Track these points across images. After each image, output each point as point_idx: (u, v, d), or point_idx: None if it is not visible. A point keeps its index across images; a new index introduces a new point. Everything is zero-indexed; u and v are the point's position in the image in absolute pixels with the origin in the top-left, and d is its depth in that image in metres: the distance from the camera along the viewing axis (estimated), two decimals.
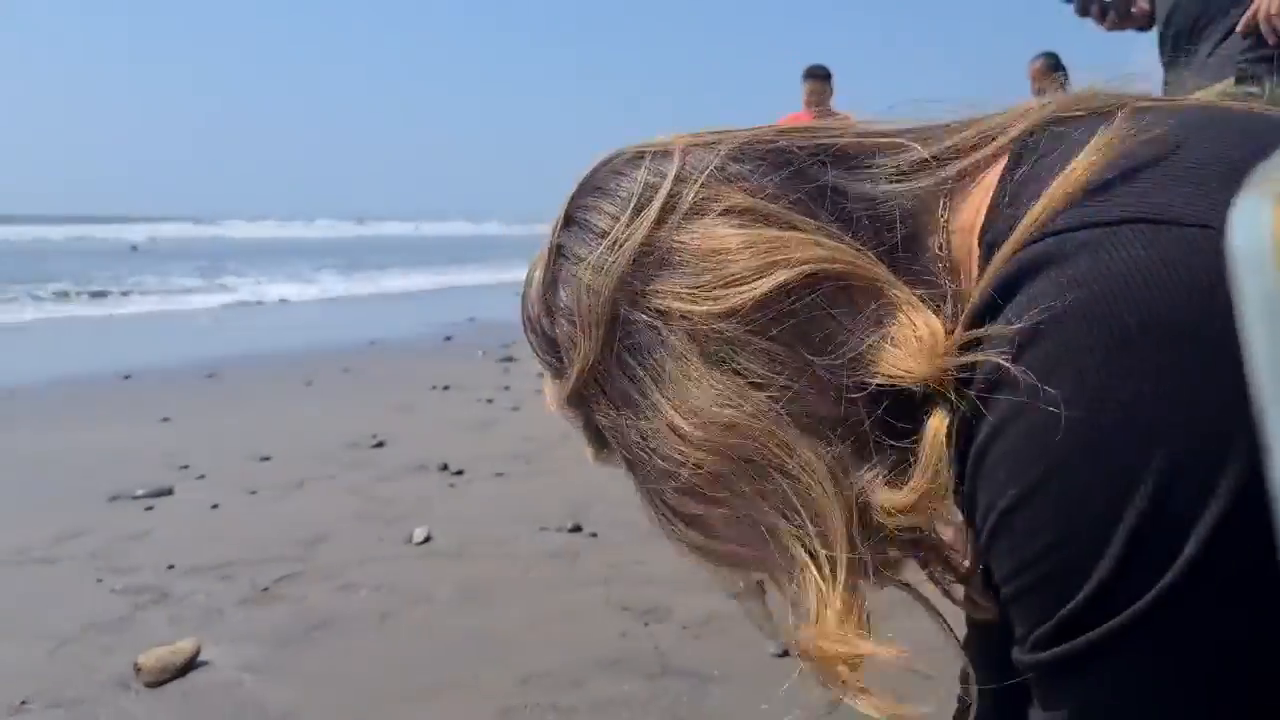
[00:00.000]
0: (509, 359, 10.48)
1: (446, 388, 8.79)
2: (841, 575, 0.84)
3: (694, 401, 0.86)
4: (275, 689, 3.14)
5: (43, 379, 9.64)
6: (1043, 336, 0.69)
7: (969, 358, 0.75)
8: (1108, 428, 0.65)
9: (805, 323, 0.83)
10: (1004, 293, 0.73)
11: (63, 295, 18.66)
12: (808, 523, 0.85)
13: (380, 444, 6.55)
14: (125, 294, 19.51)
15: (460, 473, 5.76)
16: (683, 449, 0.88)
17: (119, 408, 8.14)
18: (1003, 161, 0.85)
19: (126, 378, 9.64)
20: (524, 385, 8.88)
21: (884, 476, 0.83)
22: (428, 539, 4.57)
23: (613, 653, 3.35)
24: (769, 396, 0.84)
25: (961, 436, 0.76)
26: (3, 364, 11.03)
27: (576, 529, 4.65)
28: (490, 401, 8.11)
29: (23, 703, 3.07)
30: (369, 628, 3.63)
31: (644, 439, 0.91)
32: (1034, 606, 0.70)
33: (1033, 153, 0.82)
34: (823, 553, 0.85)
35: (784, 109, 11.21)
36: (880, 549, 0.87)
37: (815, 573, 0.86)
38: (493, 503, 5.20)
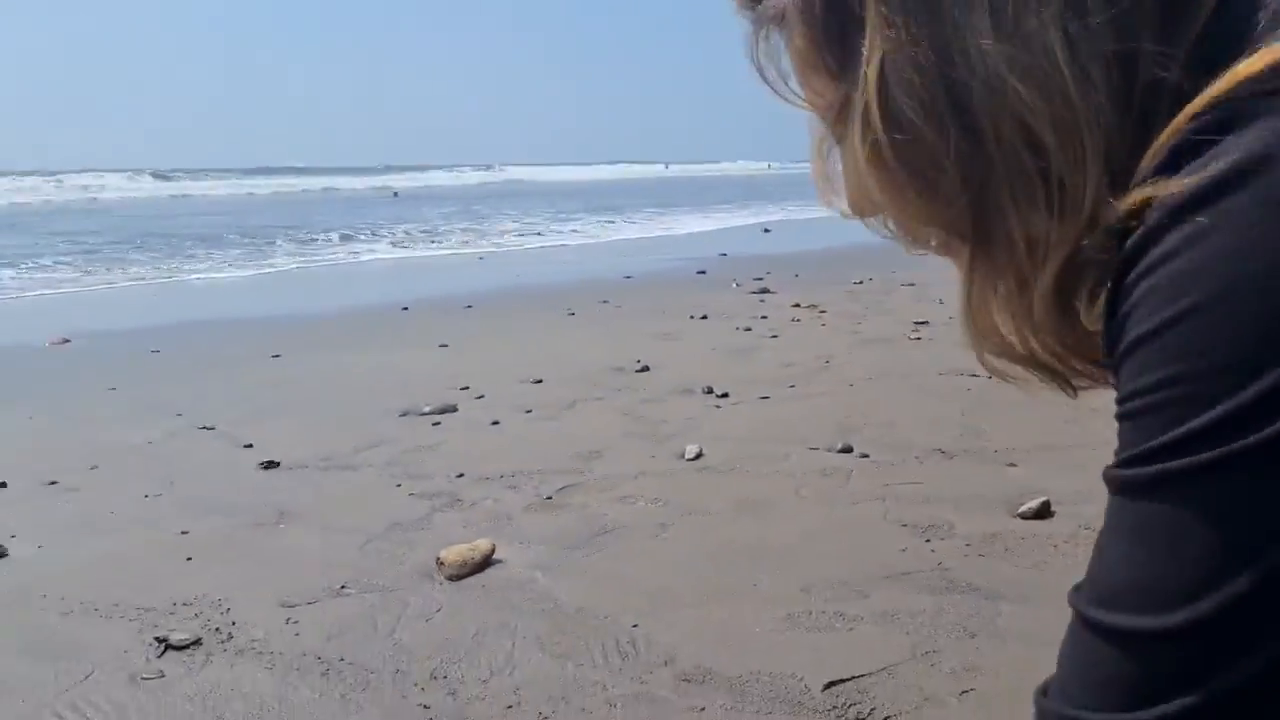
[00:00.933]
0: (764, 290, 10.45)
1: (705, 317, 8.86)
2: (1056, 260, 0.77)
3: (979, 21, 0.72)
4: (566, 586, 3.28)
5: (333, 311, 10.42)
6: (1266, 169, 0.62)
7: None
8: None
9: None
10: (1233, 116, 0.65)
11: (347, 238, 20.03)
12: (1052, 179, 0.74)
13: (645, 369, 6.68)
14: (395, 239, 20.73)
15: (725, 395, 5.81)
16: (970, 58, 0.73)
17: (402, 336, 8.69)
18: None
19: (405, 309, 10.28)
20: (781, 315, 8.85)
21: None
22: (699, 455, 4.63)
23: (895, 566, 3.29)
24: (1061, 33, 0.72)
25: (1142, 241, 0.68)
26: (302, 299, 12.00)
27: (847, 449, 4.59)
28: (748, 330, 8.11)
29: (342, 587, 3.35)
30: (649, 535, 3.72)
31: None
32: (1156, 422, 0.66)
33: None
34: (1047, 225, 0.75)
35: None
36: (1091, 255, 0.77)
37: (1024, 249, 0.78)
38: (759, 423, 5.21)
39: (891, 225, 0.91)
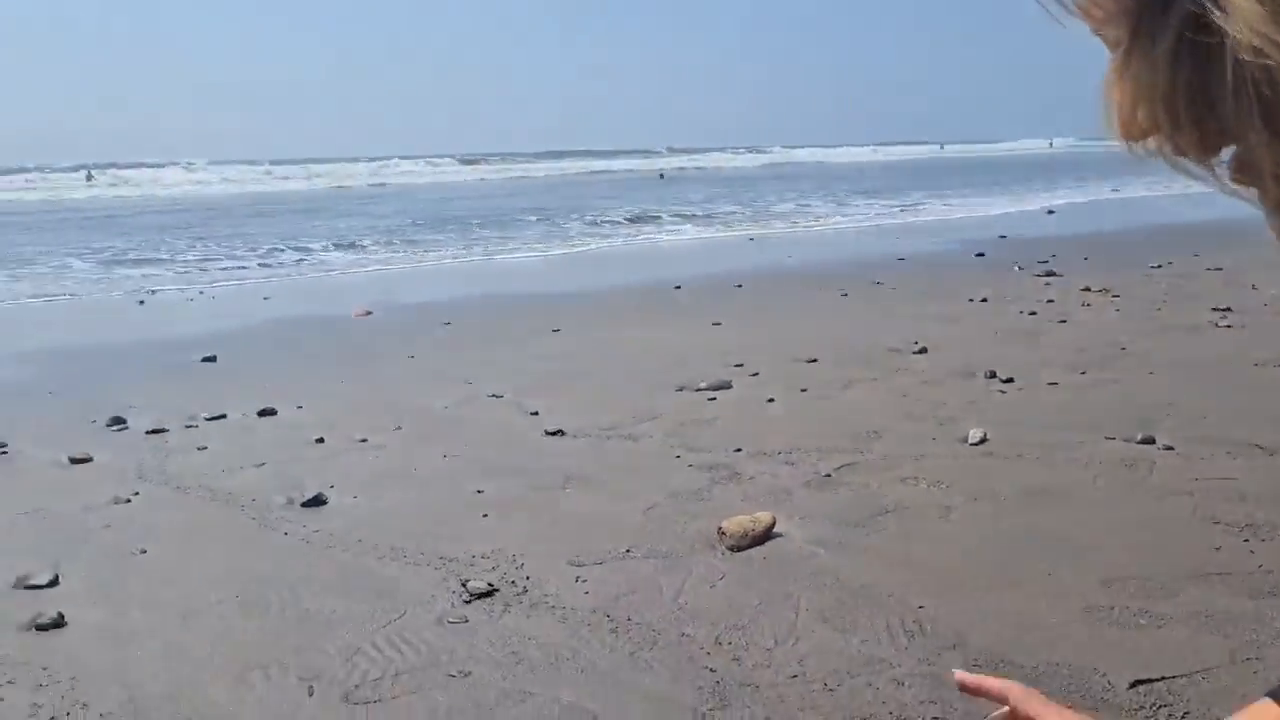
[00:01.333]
0: (1050, 274, 9.92)
1: (985, 300, 8.51)
2: None
3: None
4: (849, 563, 3.24)
5: (605, 289, 10.75)
6: None
7: None
8: None
9: None
10: None
11: (615, 224, 20.60)
12: None
13: (923, 350, 6.50)
14: (666, 219, 21.12)
15: (1010, 380, 5.56)
16: None
17: (676, 313, 8.85)
18: None
19: (677, 287, 10.46)
20: (1070, 299, 8.37)
21: None
22: (984, 440, 4.46)
23: (1208, 565, 3.05)
24: None
25: None
26: (577, 278, 12.46)
27: (1149, 440, 4.29)
28: (1033, 314, 7.72)
29: (627, 551, 3.45)
30: (933, 518, 3.62)
31: None
32: None
33: None
34: None
35: None
36: None
37: None
38: (1048, 410, 4.95)
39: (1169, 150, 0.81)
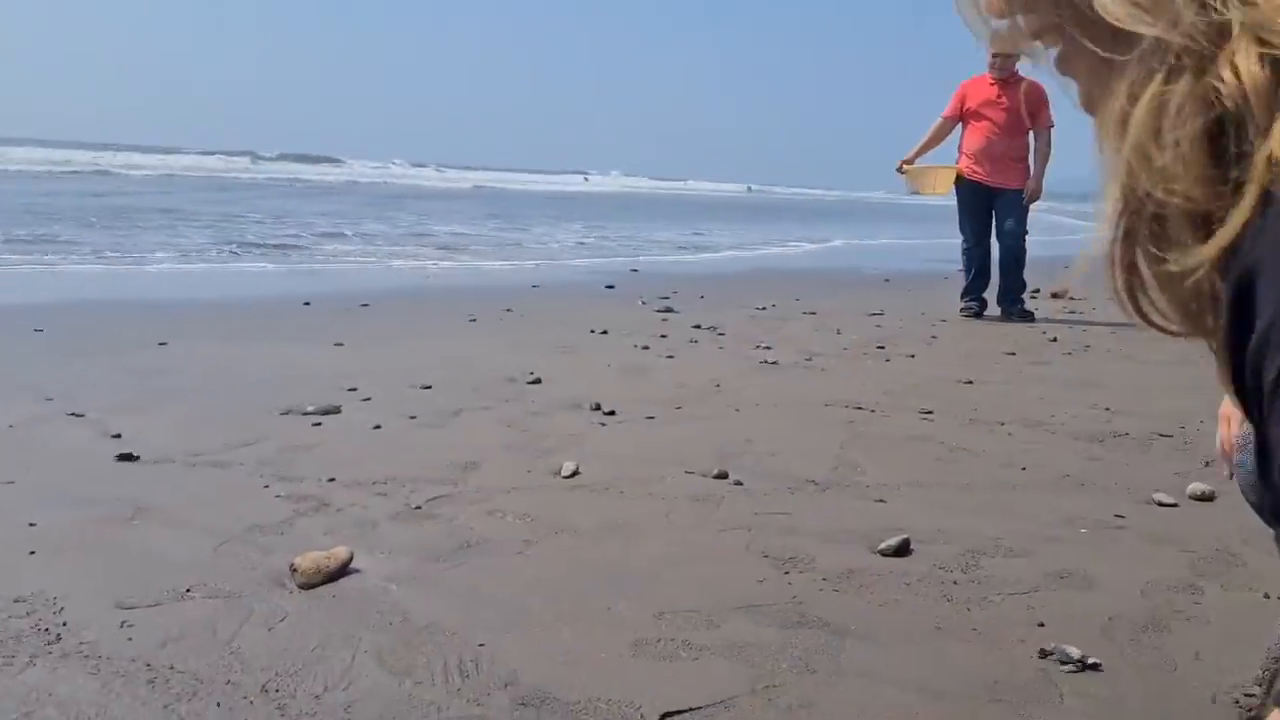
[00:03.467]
0: (669, 309, 10.50)
1: (605, 332, 8.86)
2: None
3: None
4: (420, 600, 3.22)
5: (229, 300, 10.17)
6: None
7: None
8: None
9: None
10: None
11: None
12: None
13: (537, 380, 6.65)
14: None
15: (612, 413, 5.80)
16: None
17: (298, 331, 8.53)
18: None
19: (306, 304, 10.10)
20: (680, 334, 8.89)
21: None
22: (575, 473, 4.61)
23: (750, 597, 3.31)
24: None
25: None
26: (197, 287, 11.69)
27: (723, 475, 4.61)
28: (646, 348, 8.13)
29: (187, 590, 3.25)
30: (513, 551, 3.69)
31: None
32: None
33: None
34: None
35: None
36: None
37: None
38: (641, 444, 5.21)
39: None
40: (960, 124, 10.85)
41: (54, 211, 20.89)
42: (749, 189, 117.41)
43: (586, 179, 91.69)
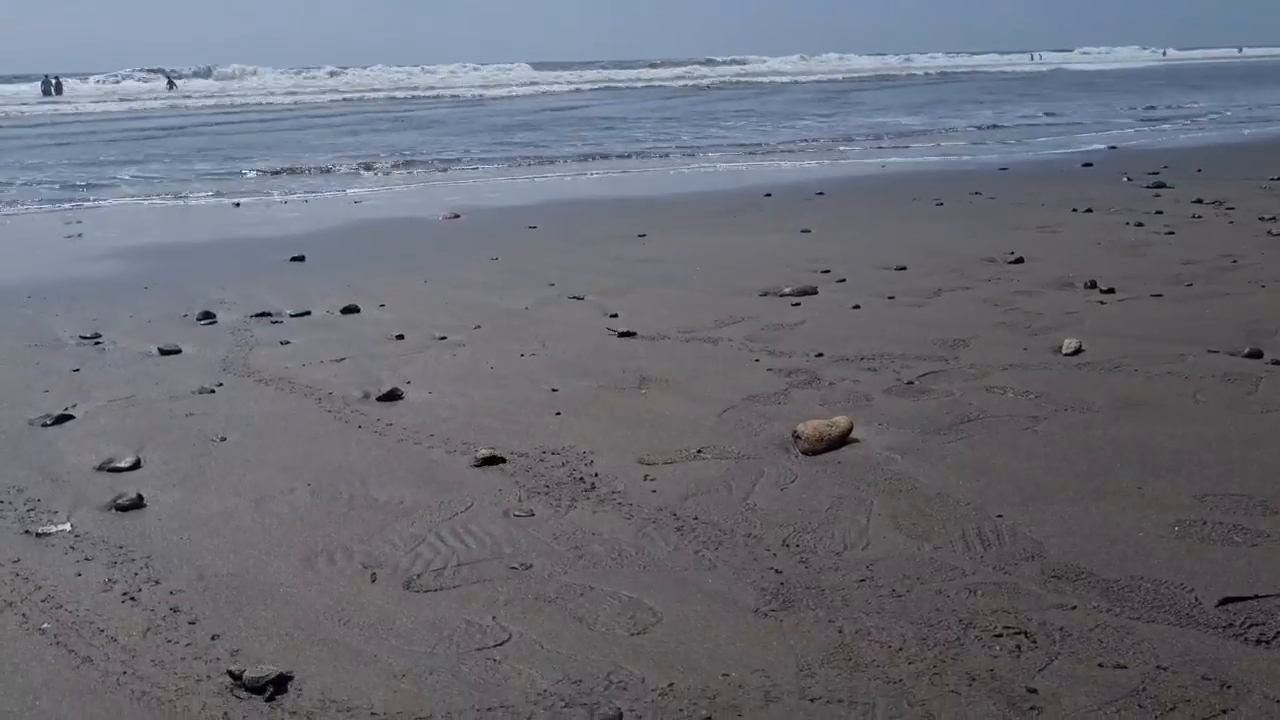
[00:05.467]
0: (1159, 185, 9.46)
1: (1089, 210, 8.16)
2: None
3: None
4: (927, 470, 3.13)
5: (696, 195, 10.56)
6: None
7: None
8: None
9: None
10: None
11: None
12: None
13: (1018, 260, 6.25)
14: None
15: (1110, 290, 5.31)
16: None
17: (762, 221, 8.67)
18: None
19: (768, 195, 10.24)
20: (1178, 210, 7.98)
21: None
22: (1079, 350, 4.27)
23: None
24: None
25: None
26: (666, 185, 12.28)
27: (1255, 354, 4.06)
28: (1139, 225, 7.37)
29: (699, 451, 3.38)
30: (1019, 427, 3.48)
31: None
32: None
33: None
34: None
35: None
36: None
37: None
38: (1150, 322, 4.72)
39: None
40: None
41: (536, 124, 22.89)
42: (1163, 54, 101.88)
43: (1033, 58, 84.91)
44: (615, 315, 5.36)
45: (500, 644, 2.24)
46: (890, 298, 5.50)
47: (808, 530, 2.74)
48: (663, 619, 2.32)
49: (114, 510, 3.05)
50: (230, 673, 2.14)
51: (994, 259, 6.39)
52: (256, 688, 2.09)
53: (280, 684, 2.10)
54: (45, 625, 2.39)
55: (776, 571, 2.51)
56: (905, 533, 2.71)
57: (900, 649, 2.16)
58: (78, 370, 4.63)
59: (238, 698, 2.08)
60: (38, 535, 2.89)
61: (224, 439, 3.67)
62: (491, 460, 3.34)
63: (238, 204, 11.18)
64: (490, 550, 2.70)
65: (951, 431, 3.46)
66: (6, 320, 5.73)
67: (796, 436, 3.39)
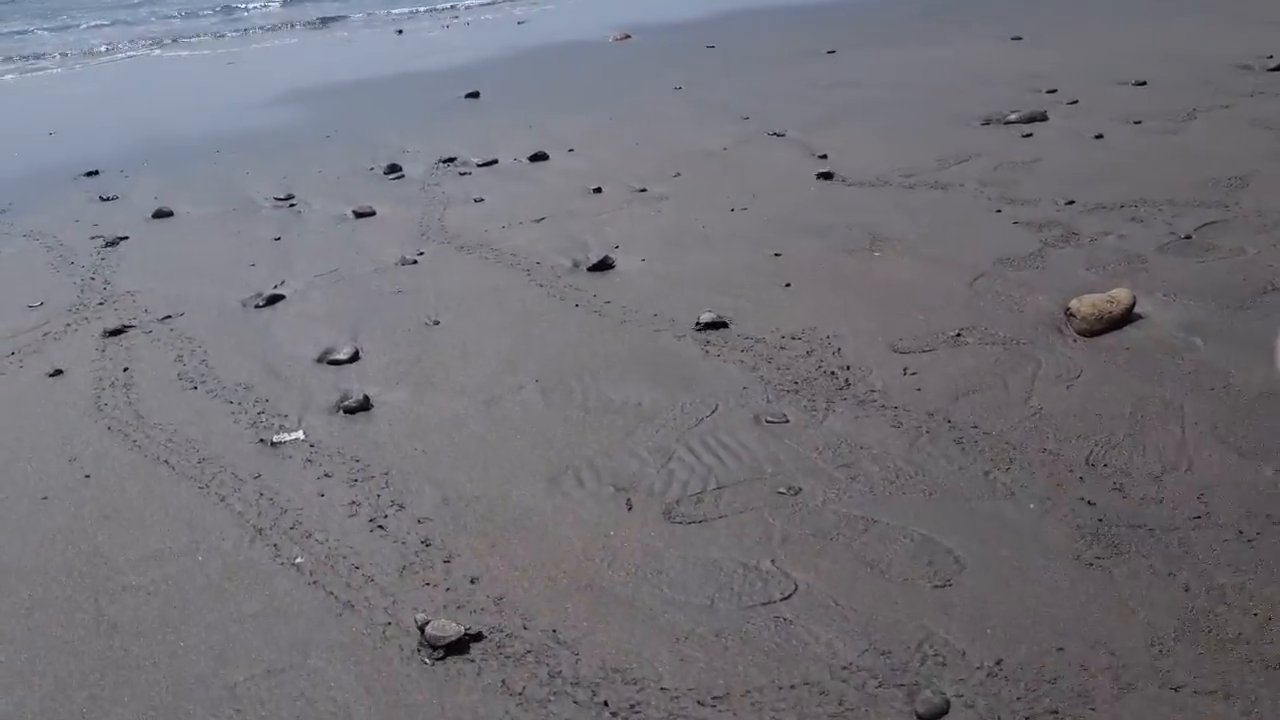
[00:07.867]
0: None
1: None
2: None
3: None
4: (1239, 359, 2.69)
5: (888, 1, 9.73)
6: None
7: None
8: None
9: None
10: None
11: None
12: None
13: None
14: None
15: None
16: None
17: (961, 26, 7.89)
18: None
19: None
20: None
21: None
22: None
23: None
24: None
25: None
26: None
27: None
28: None
29: (957, 335, 3.03)
30: None
31: None
32: None
33: None
34: None
35: None
36: None
37: None
38: None
39: None
40: None
41: None
42: None
43: None
44: (824, 156, 4.92)
45: (787, 597, 2.01)
46: (1136, 123, 4.87)
47: (1113, 445, 2.39)
48: (966, 566, 2.04)
49: (342, 413, 2.93)
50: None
51: (1249, 65, 5.60)
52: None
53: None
54: (299, 559, 2.29)
55: (1089, 503, 2.19)
56: (1234, 449, 2.33)
57: (1271, 618, 1.83)
58: (279, 239, 4.53)
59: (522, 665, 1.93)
60: (273, 445, 2.79)
61: (437, 322, 3.50)
62: (714, 325, 3.09)
63: (400, 31, 10.90)
64: (749, 469, 2.45)
65: (1256, 305, 2.99)
66: (205, 181, 5.68)
67: (1070, 315, 2.98)
